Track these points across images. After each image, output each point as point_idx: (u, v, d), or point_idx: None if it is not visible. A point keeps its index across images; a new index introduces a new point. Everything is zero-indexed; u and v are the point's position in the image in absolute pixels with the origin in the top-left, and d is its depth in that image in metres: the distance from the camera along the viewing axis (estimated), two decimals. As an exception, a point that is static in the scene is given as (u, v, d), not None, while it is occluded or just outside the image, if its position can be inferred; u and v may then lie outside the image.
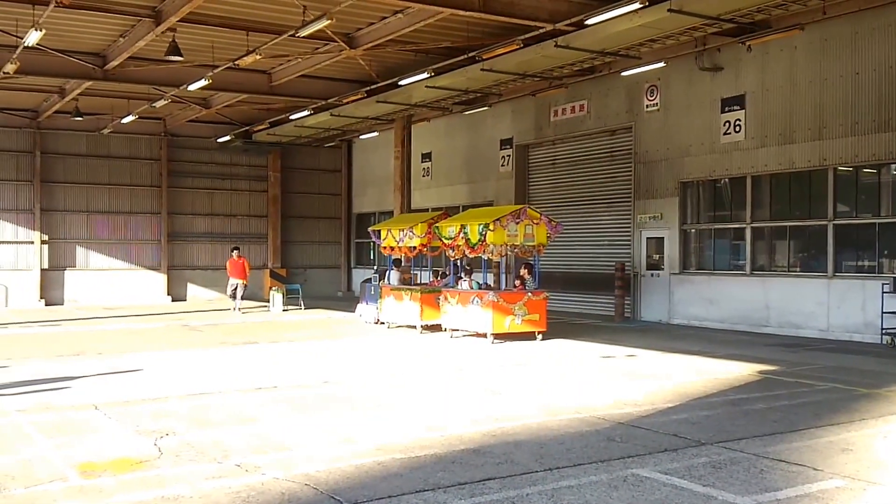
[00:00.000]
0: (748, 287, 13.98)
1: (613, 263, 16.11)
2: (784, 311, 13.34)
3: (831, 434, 6.13)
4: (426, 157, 22.36)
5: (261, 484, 4.85)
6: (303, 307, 19.71)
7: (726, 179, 14.59)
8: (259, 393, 7.97)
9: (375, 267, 18.35)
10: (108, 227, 22.72)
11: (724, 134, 14.38)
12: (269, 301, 20.14)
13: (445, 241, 13.23)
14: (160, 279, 23.24)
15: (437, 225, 13.64)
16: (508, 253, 12.57)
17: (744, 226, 14.22)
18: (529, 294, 12.56)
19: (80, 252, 22.39)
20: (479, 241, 12.17)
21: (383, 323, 15.27)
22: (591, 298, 17.49)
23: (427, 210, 20.14)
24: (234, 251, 19.18)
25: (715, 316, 14.48)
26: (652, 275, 15.86)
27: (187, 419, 6.71)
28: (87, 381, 8.71)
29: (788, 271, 13.60)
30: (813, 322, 12.86)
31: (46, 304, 21.50)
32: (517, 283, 13.17)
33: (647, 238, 16.01)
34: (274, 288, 20.10)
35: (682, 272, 15.26)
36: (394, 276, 15.44)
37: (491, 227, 12.01)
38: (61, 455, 5.49)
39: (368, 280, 17.06)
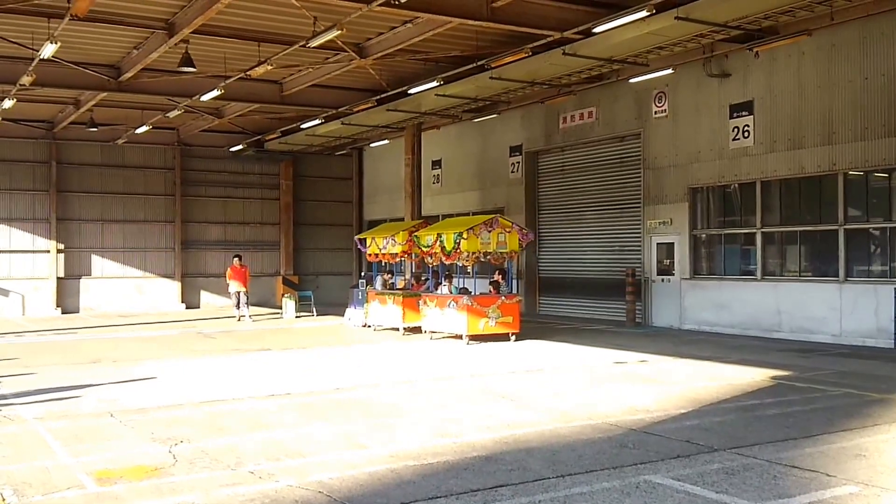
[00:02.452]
0: (759, 292, 13.92)
1: (624, 269, 16.10)
2: (796, 317, 13.26)
3: (844, 440, 6.11)
4: (436, 164, 22.46)
5: (275, 491, 4.90)
6: (315, 314, 19.83)
7: (736, 185, 14.55)
8: (272, 400, 8.04)
9: (363, 273, 18.76)
10: (123, 236, 22.99)
11: (733, 140, 14.36)
12: (281, 308, 20.29)
13: (424, 249, 14.12)
14: (174, 287, 23.45)
15: (416, 234, 14.54)
16: (482, 260, 13.45)
17: (754, 231, 14.18)
18: (503, 298, 13.32)
19: (96, 260, 22.66)
20: (454, 248, 13.08)
21: (369, 326, 15.96)
22: (601, 304, 17.47)
23: (438, 217, 20.25)
24: (236, 258, 19.25)
25: (726, 321, 14.42)
26: (662, 280, 15.83)
27: (201, 426, 6.79)
28: (103, 388, 8.83)
29: (800, 276, 13.52)
30: (825, 327, 12.78)
31: (63, 313, 21.74)
32: (491, 288, 13.75)
33: (658, 243, 15.98)
34: (286, 295, 20.26)
35: (693, 277, 15.22)
36: (379, 281, 16.16)
37: (465, 235, 12.91)
38: (78, 462, 5.58)
39: (356, 286, 17.64)
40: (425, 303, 14.21)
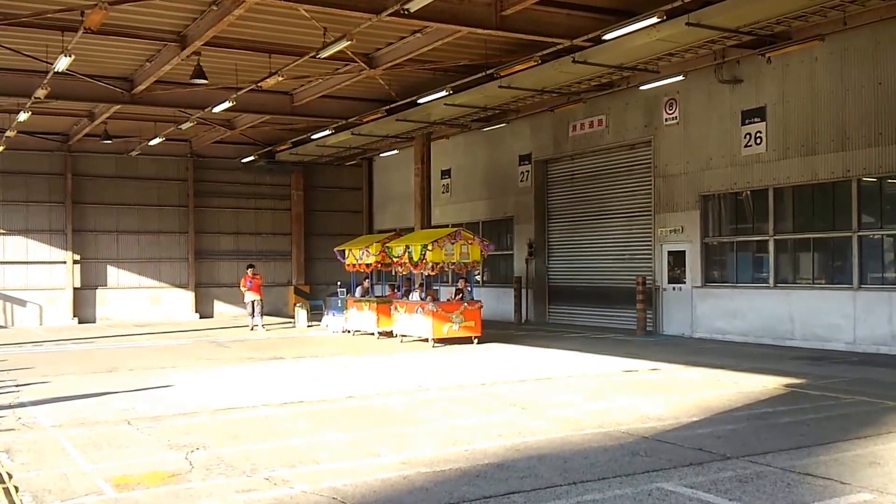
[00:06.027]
0: (772, 300, 13.83)
1: (634, 277, 16.05)
2: (809, 324, 13.16)
3: (859, 447, 6.07)
4: (446, 173, 22.55)
5: (289, 497, 4.95)
6: (326, 323, 19.92)
7: (748, 192, 14.49)
8: (285, 407, 8.10)
9: (339, 283, 19.31)
10: (138, 247, 23.25)
11: (745, 146, 14.32)
12: (293, 317, 20.41)
13: (395, 260, 15.29)
14: (188, 296, 23.66)
15: (388, 245, 15.67)
16: (446, 269, 14.61)
17: (766, 238, 14.10)
18: (465, 304, 14.39)
19: (111, 271, 22.93)
20: (421, 259, 14.19)
21: (348, 331, 16.80)
22: (612, 312, 17.42)
23: (447, 226, 20.31)
24: (250, 269, 19.43)
25: (738, 329, 14.33)
26: (674, 288, 15.77)
27: (217, 433, 6.86)
28: (120, 396, 8.93)
29: (813, 283, 13.43)
30: (839, 335, 12.68)
31: (79, 322, 22.00)
32: (456, 297, 14.75)
33: (669, 251, 15.93)
34: (298, 304, 20.38)
35: (705, 285, 15.15)
36: (359, 290, 17.27)
37: (430, 247, 14.02)
38: (96, 469, 5.66)
39: (334, 294, 18.48)
40: (396, 308, 15.31)
